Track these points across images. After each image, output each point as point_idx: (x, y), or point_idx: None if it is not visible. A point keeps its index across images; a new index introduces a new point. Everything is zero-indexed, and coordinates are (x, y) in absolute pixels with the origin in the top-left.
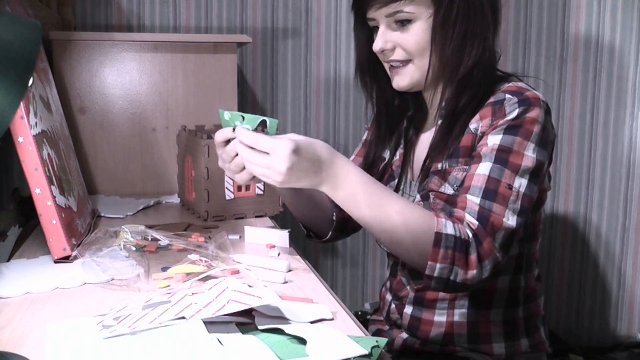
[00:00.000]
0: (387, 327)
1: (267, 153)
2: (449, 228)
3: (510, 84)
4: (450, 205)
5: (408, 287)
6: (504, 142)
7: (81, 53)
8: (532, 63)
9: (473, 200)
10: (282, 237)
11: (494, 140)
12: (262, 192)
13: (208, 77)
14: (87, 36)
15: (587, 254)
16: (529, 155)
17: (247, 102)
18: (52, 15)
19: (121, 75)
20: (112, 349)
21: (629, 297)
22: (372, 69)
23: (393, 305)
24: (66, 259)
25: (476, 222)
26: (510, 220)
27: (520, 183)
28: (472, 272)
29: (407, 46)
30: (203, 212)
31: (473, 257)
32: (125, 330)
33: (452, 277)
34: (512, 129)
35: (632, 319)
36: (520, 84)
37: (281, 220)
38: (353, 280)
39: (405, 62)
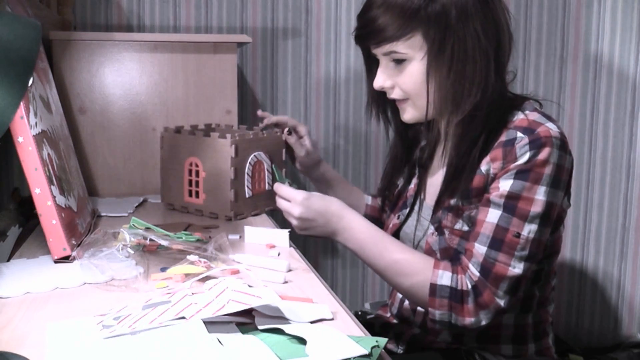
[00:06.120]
0: (395, 321)
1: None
2: (444, 279)
3: (522, 117)
4: (466, 241)
5: None
6: (513, 188)
7: (81, 53)
8: (532, 63)
9: (479, 250)
10: (282, 237)
11: (504, 186)
12: (270, 187)
13: (208, 77)
14: (87, 36)
15: (587, 254)
16: (539, 199)
17: (247, 102)
18: (52, 15)
19: (121, 75)
20: (112, 349)
21: (629, 297)
22: (381, 100)
23: (406, 302)
24: (66, 259)
25: (477, 274)
26: (517, 268)
27: (530, 229)
28: (470, 320)
29: (404, 86)
30: (229, 212)
31: (469, 306)
32: (125, 330)
33: (452, 321)
34: (522, 173)
35: (632, 319)
36: (533, 115)
37: (281, 220)
38: (353, 280)
39: (405, 100)
